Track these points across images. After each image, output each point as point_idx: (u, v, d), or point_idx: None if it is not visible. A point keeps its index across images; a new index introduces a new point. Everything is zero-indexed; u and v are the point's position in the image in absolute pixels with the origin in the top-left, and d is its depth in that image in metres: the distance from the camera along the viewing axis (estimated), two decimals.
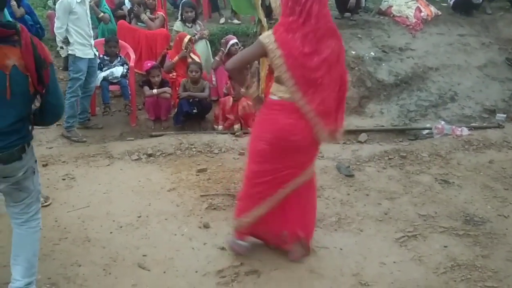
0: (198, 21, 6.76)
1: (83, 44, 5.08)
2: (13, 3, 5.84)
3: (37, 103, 2.42)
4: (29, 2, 6.52)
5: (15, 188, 2.45)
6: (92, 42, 5.24)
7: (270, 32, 2.77)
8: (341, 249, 3.33)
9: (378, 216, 3.78)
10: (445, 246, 3.39)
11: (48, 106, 2.41)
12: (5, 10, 2.37)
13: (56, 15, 5.10)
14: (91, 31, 5.24)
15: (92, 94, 5.51)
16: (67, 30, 5.02)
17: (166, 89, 5.77)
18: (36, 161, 2.54)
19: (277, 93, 2.84)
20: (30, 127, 2.43)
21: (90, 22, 5.22)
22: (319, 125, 2.81)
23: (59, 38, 5.10)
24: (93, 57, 5.22)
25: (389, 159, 4.84)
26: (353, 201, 4.01)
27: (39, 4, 7.80)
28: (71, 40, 5.04)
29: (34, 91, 2.29)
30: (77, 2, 4.96)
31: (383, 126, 6.06)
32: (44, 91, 2.32)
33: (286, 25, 2.70)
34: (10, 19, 4.84)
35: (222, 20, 7.98)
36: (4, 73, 2.16)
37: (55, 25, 5.12)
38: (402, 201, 4.03)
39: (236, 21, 8.04)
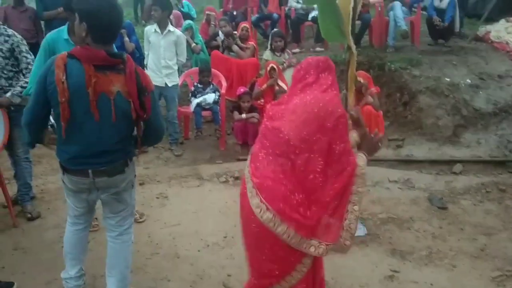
0: (286, 49, 6.92)
1: (153, 70, 5.50)
2: (126, 38, 6.48)
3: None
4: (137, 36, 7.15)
5: (114, 199, 2.63)
6: (166, 71, 5.51)
7: None
8: (431, 284, 3.16)
9: (473, 252, 3.54)
10: None
11: (150, 129, 2.58)
12: (113, 44, 2.60)
13: None
14: (167, 62, 5.52)
15: (175, 121, 5.77)
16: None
17: (254, 114, 5.93)
18: (135, 176, 2.73)
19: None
20: (133, 145, 2.61)
21: (169, 53, 5.52)
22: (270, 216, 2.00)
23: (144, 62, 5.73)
24: (163, 85, 5.49)
25: (487, 192, 4.54)
26: (446, 235, 3.80)
27: (141, 36, 8.44)
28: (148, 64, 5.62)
29: (136, 116, 2.45)
30: (152, 32, 5.53)
31: (480, 157, 5.68)
32: (146, 116, 2.48)
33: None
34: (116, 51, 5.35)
35: (297, 50, 8.18)
36: (108, 98, 2.35)
37: None
38: (500, 238, 3.75)
39: (318, 48, 8.21)
